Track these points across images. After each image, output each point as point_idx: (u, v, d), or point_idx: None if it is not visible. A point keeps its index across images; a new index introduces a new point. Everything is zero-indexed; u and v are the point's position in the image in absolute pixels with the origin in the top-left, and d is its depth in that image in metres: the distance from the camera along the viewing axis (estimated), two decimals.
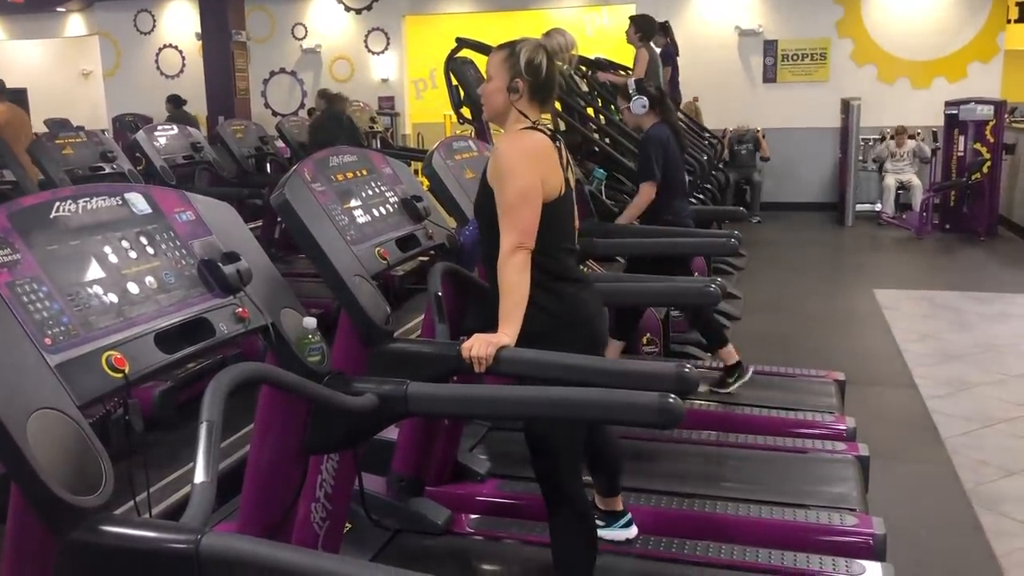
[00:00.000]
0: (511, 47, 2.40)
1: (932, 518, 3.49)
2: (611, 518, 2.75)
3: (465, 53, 5.42)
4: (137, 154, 6.05)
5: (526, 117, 2.40)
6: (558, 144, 2.45)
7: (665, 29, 8.05)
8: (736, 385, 4.13)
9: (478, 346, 2.12)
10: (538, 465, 2.42)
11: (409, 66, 13.24)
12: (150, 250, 1.66)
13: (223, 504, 2.82)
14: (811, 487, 3.12)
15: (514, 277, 2.26)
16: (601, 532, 2.69)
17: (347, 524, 2.52)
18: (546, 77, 2.39)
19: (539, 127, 2.42)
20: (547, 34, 2.35)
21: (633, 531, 2.76)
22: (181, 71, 13.60)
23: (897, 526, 2.96)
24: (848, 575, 2.57)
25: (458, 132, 7.02)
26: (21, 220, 1.46)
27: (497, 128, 5.45)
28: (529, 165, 2.32)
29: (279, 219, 6.87)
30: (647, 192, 4.37)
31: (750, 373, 4.20)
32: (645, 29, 7.34)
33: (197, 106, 11.81)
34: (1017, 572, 3.07)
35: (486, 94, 2.46)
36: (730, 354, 4.23)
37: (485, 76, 2.45)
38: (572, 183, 2.50)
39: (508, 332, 2.20)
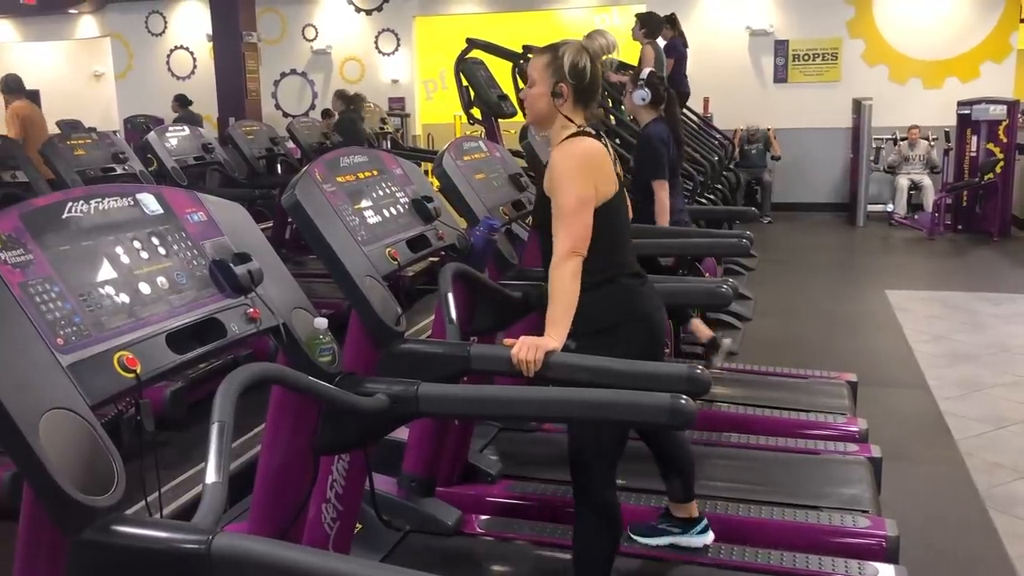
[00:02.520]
0: (553, 51, 2.38)
1: (945, 520, 3.47)
2: (687, 525, 2.71)
3: (475, 54, 5.43)
4: (148, 155, 6.08)
5: (571, 122, 2.39)
6: (605, 143, 2.44)
7: (672, 22, 8.10)
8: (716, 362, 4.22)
9: (526, 350, 2.10)
10: (575, 466, 2.39)
11: (419, 67, 13.26)
12: (162, 251, 1.66)
13: (234, 504, 2.83)
14: (823, 489, 3.10)
15: (568, 283, 2.25)
16: (678, 539, 2.70)
17: (357, 525, 2.52)
18: (590, 80, 2.38)
19: (586, 131, 2.40)
20: (589, 36, 2.35)
21: (710, 536, 2.70)
22: (192, 72, 13.66)
23: (910, 528, 2.94)
24: None
25: (468, 133, 7.04)
26: (33, 221, 1.46)
27: (506, 130, 5.47)
28: (583, 173, 2.32)
29: (290, 220, 6.95)
30: (663, 190, 4.35)
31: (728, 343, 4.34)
32: (650, 26, 7.46)
33: (208, 107, 11.85)
34: None
35: (529, 99, 2.44)
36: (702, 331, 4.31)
37: (525, 80, 2.45)
38: (621, 178, 2.48)
39: (556, 336, 2.18)
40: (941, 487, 3.77)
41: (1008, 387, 4.94)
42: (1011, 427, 4.37)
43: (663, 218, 4.40)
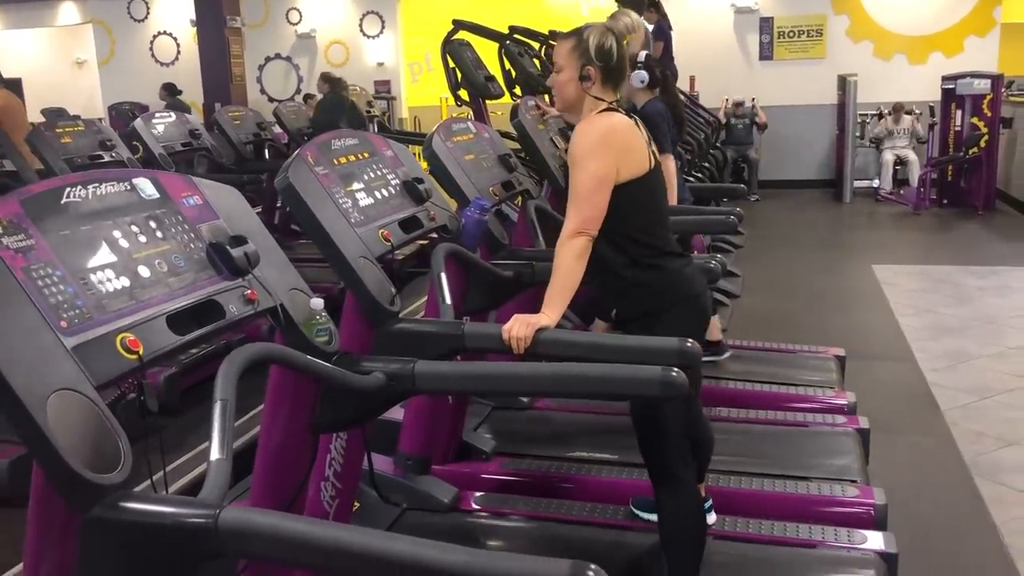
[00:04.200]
0: (577, 35, 2.37)
1: (932, 488, 3.54)
2: None
3: (462, 35, 5.42)
4: (135, 142, 6.05)
5: (602, 101, 2.38)
6: (637, 121, 2.43)
7: (655, 4, 8.07)
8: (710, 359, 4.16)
9: (518, 327, 2.11)
10: (646, 447, 2.39)
11: (405, 49, 13.20)
12: (159, 234, 1.68)
13: (232, 486, 2.85)
14: (813, 460, 3.16)
15: (571, 261, 2.24)
16: None
17: (356, 503, 2.55)
18: (617, 60, 2.37)
19: (617, 108, 2.40)
20: (612, 16, 2.37)
21: (713, 517, 2.72)
22: (176, 58, 13.57)
23: (898, 496, 3.00)
24: (850, 544, 2.61)
25: (455, 115, 7.04)
26: (33, 206, 1.48)
27: (494, 111, 5.47)
28: (605, 150, 2.29)
29: (279, 204, 6.95)
30: (672, 164, 4.33)
31: (727, 355, 4.23)
32: (634, 9, 7.37)
33: (193, 93, 11.79)
34: (1016, 539, 3.12)
35: (557, 86, 2.43)
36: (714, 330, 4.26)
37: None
38: (657, 157, 2.47)
39: (550, 314, 2.18)
40: (928, 456, 3.83)
41: (993, 358, 5.01)
42: (996, 397, 4.44)
43: (673, 190, 4.37)
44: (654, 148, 2.47)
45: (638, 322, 2.37)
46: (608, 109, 2.38)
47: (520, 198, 3.52)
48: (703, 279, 2.50)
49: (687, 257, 2.47)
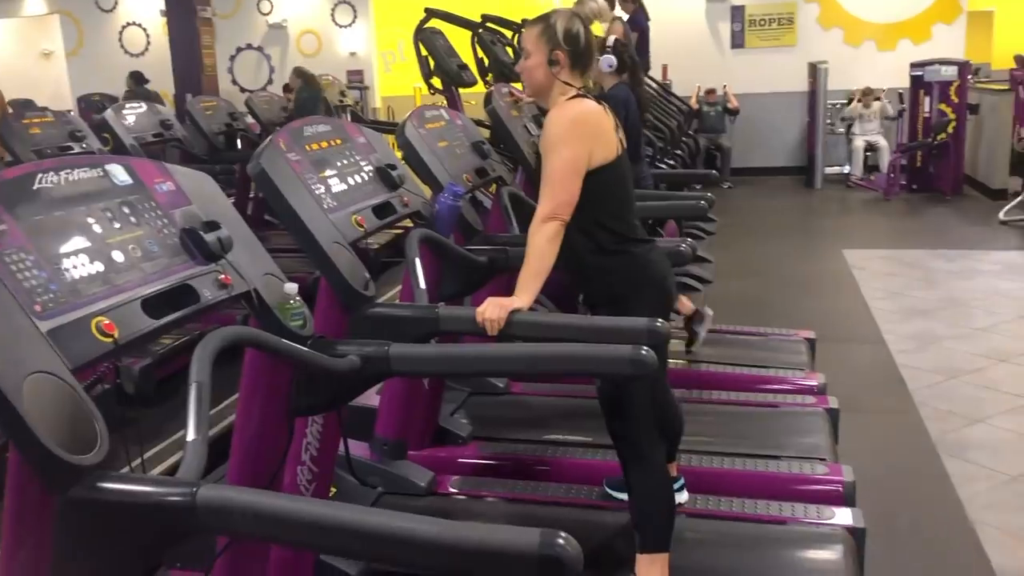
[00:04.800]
0: (544, 20, 2.40)
1: (900, 465, 3.62)
2: None
3: (434, 23, 5.43)
4: (105, 133, 6.00)
5: (571, 86, 2.41)
6: (606, 108, 2.46)
7: None
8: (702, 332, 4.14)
9: (491, 310, 2.14)
10: (614, 427, 2.43)
11: (377, 38, 13.14)
12: (133, 220, 1.69)
13: (208, 472, 2.86)
14: (783, 439, 3.21)
15: (543, 245, 2.27)
16: None
17: (332, 488, 2.57)
18: (585, 44, 2.40)
19: (587, 95, 2.43)
20: (579, 2, 2.39)
21: (684, 496, 2.75)
22: (146, 49, 13.40)
23: (866, 474, 3.06)
24: (820, 520, 2.67)
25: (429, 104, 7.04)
26: (5, 191, 1.48)
27: (468, 100, 5.48)
28: (578, 135, 2.33)
29: (251, 195, 6.92)
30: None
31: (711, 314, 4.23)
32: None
33: (163, 84, 11.66)
34: (981, 514, 3.20)
35: (525, 71, 2.45)
36: (685, 306, 4.29)
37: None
38: (624, 143, 2.50)
39: (523, 297, 2.22)
40: (896, 435, 3.91)
41: (960, 339, 5.11)
42: (962, 377, 4.54)
43: None
44: (621, 135, 2.50)
45: (605, 306, 2.42)
46: (578, 95, 2.41)
47: (494, 185, 3.54)
48: (667, 263, 2.54)
49: (651, 242, 2.52)
